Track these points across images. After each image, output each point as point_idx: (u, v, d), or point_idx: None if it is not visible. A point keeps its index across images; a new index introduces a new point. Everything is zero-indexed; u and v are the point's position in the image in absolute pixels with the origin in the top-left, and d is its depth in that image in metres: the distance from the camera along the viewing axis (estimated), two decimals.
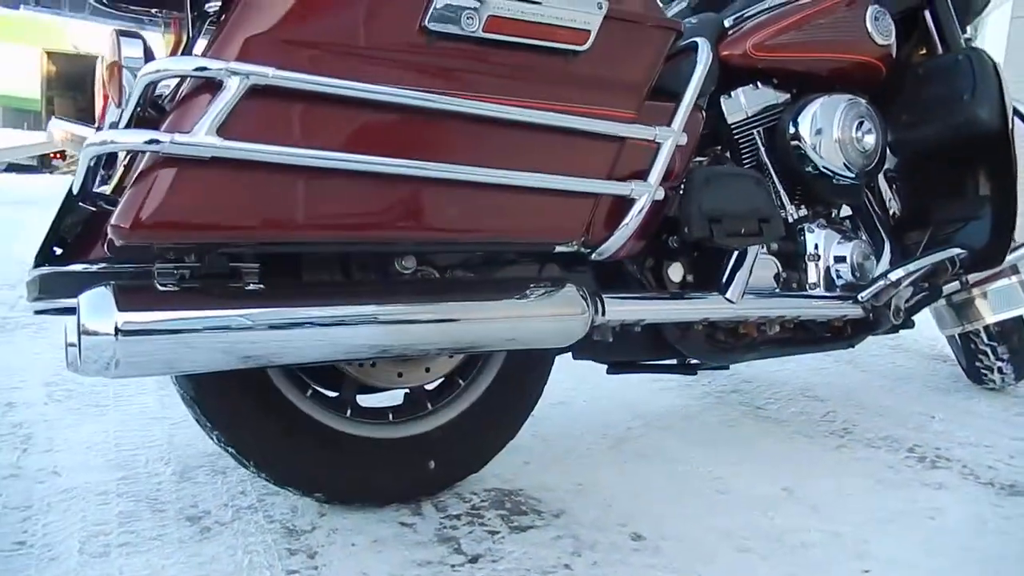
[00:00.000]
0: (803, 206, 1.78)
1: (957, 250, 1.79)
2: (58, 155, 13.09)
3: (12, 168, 11.72)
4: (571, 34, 1.15)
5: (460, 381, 1.50)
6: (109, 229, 0.96)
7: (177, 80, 1.05)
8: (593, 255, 1.30)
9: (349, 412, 1.41)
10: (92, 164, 1.06)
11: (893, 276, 1.70)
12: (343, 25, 1.02)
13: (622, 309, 1.40)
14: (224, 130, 0.93)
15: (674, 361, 1.70)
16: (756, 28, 1.68)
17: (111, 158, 1.22)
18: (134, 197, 0.93)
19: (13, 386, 2.06)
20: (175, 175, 0.93)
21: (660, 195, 1.27)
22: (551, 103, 1.16)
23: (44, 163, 12.98)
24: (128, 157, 1.19)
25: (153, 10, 1.32)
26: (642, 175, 1.28)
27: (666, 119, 1.31)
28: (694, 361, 1.70)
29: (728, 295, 1.54)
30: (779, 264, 1.70)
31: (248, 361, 1.05)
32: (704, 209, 1.43)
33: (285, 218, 1.00)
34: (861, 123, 1.70)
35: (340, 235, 1.06)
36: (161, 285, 1.02)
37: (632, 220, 1.25)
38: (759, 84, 1.73)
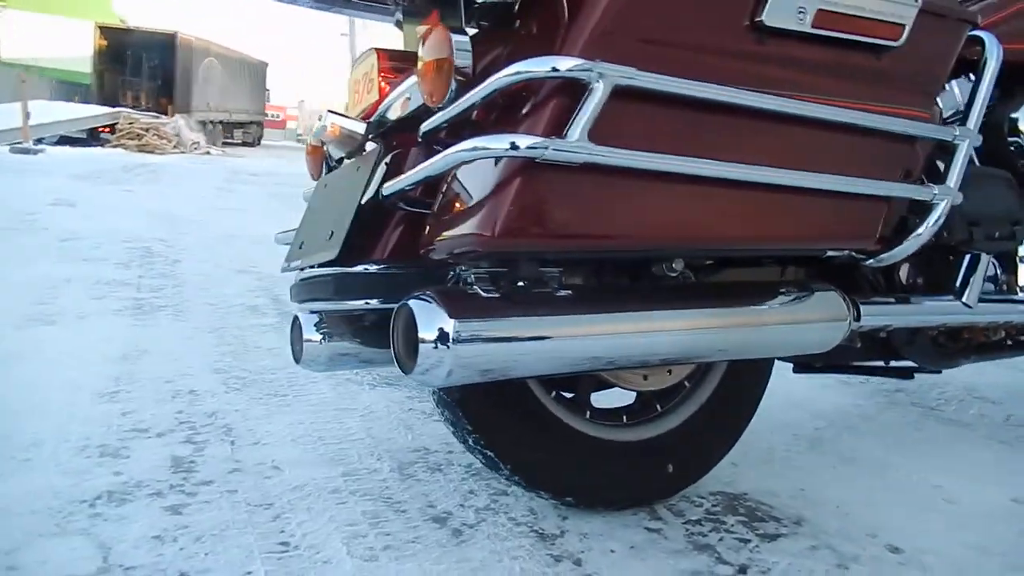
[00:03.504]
0: None
1: None
2: (107, 128, 13.19)
3: (64, 140, 11.81)
4: (888, 28, 1.09)
5: (686, 383, 1.46)
6: (471, 238, 0.90)
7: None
8: (870, 261, 1.24)
9: (588, 414, 1.38)
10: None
11: None
12: (690, 22, 0.97)
13: (874, 314, 1.35)
14: (592, 135, 0.88)
15: (888, 364, 1.64)
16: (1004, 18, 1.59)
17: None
18: (496, 204, 0.88)
19: (184, 373, 2.05)
20: (541, 182, 0.88)
21: (959, 199, 1.21)
22: (857, 102, 1.10)
23: (93, 135, 13.07)
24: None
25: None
26: (933, 178, 1.22)
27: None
28: (909, 365, 1.64)
29: (964, 299, 1.48)
30: (997, 266, 1.63)
31: (570, 366, 1.02)
32: (964, 211, 1.37)
33: (646, 225, 0.95)
34: None
35: (687, 241, 1.01)
36: (484, 292, 0.98)
37: (929, 226, 1.19)
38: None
